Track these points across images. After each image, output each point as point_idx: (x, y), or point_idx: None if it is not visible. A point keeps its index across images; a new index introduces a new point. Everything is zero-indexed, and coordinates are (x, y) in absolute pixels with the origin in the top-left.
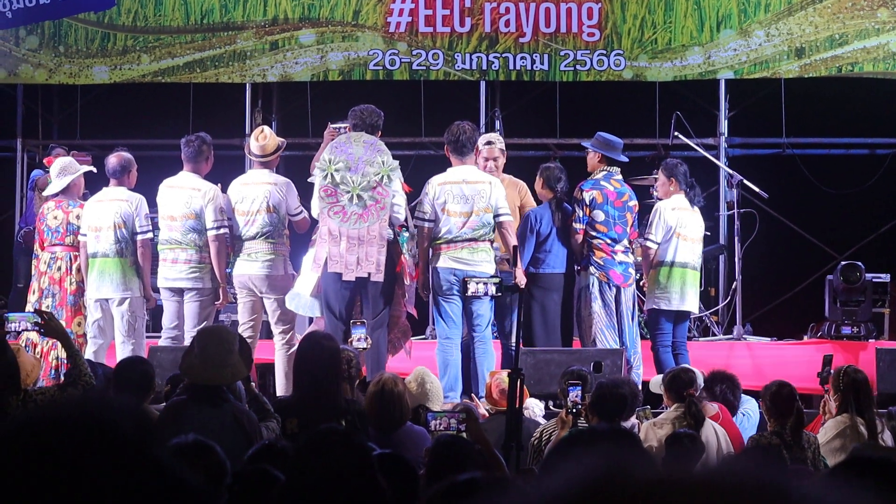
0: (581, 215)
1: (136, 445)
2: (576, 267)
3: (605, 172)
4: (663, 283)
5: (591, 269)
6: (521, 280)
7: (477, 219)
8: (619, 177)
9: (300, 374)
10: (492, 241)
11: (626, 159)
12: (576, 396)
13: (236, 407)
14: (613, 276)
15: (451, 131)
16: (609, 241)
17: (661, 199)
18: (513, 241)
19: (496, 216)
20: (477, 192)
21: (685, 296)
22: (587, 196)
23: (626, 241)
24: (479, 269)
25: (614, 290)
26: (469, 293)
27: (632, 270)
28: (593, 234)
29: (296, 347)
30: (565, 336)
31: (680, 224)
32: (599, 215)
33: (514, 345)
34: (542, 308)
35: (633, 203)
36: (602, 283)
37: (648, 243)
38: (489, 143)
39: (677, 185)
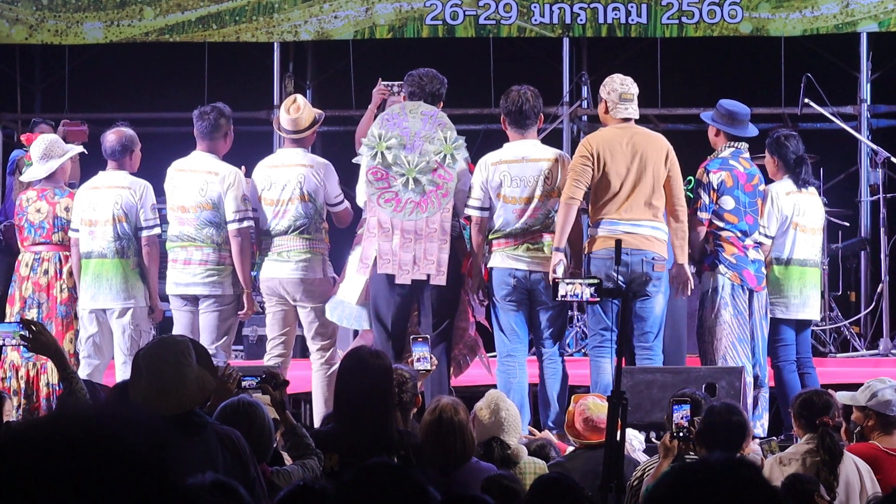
0: (707, 202)
1: (152, 468)
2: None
3: (732, 149)
4: (779, 285)
5: (722, 268)
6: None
7: (541, 205)
8: (748, 154)
9: (342, 400)
10: None
11: (756, 132)
12: (682, 418)
13: (218, 429)
14: (747, 277)
15: (509, 98)
16: (739, 234)
17: (772, 182)
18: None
19: None
20: (539, 173)
21: (806, 300)
22: (714, 178)
23: (756, 235)
24: (547, 268)
25: (747, 294)
26: (559, 297)
27: (764, 270)
28: (721, 224)
29: (337, 367)
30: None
31: (797, 212)
32: (729, 202)
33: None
34: (670, 312)
35: (763, 187)
36: (735, 285)
37: (761, 237)
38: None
39: (783, 165)
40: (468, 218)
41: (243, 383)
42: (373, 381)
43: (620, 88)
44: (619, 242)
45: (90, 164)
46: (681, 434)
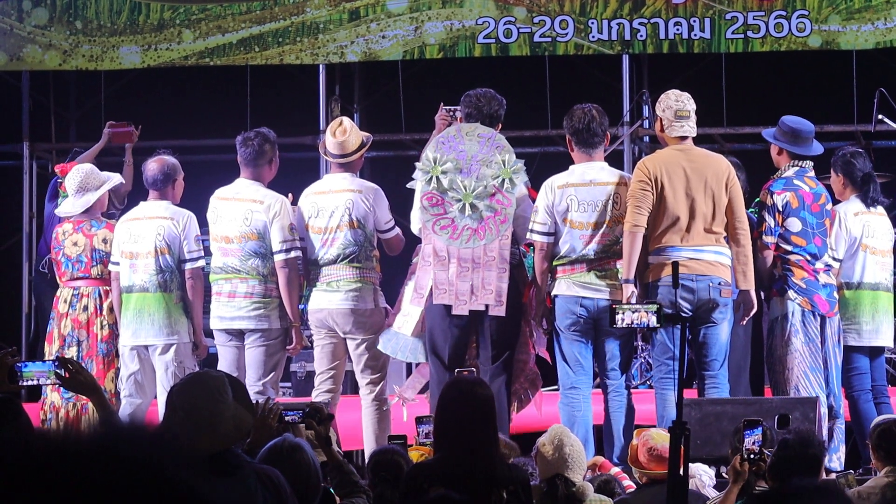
0: (772, 225)
1: (154, 469)
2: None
3: (796, 168)
4: (849, 310)
5: (791, 293)
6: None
7: (609, 231)
8: (812, 173)
9: (446, 428)
10: None
11: (821, 150)
12: (754, 443)
13: (257, 468)
14: (819, 302)
15: (574, 117)
16: (808, 258)
17: (839, 202)
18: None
19: None
20: (608, 197)
21: (879, 326)
22: (779, 200)
23: (827, 258)
24: (616, 297)
25: (818, 320)
26: (617, 324)
27: (836, 295)
28: (788, 248)
29: (390, 404)
30: (754, 383)
31: (867, 233)
32: (795, 224)
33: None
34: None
35: (831, 207)
36: (805, 311)
37: (830, 260)
38: None
39: (850, 183)
40: (528, 245)
41: (286, 418)
42: (479, 410)
43: (676, 105)
44: (675, 265)
45: (132, 192)
46: (752, 457)
